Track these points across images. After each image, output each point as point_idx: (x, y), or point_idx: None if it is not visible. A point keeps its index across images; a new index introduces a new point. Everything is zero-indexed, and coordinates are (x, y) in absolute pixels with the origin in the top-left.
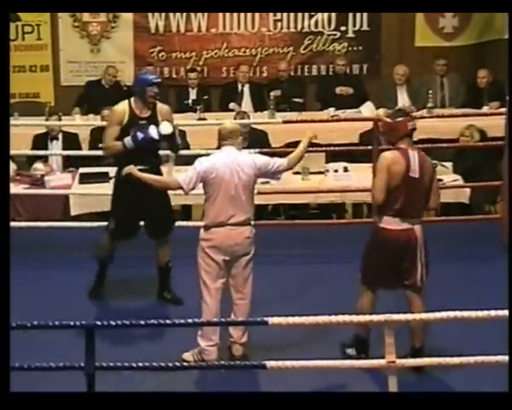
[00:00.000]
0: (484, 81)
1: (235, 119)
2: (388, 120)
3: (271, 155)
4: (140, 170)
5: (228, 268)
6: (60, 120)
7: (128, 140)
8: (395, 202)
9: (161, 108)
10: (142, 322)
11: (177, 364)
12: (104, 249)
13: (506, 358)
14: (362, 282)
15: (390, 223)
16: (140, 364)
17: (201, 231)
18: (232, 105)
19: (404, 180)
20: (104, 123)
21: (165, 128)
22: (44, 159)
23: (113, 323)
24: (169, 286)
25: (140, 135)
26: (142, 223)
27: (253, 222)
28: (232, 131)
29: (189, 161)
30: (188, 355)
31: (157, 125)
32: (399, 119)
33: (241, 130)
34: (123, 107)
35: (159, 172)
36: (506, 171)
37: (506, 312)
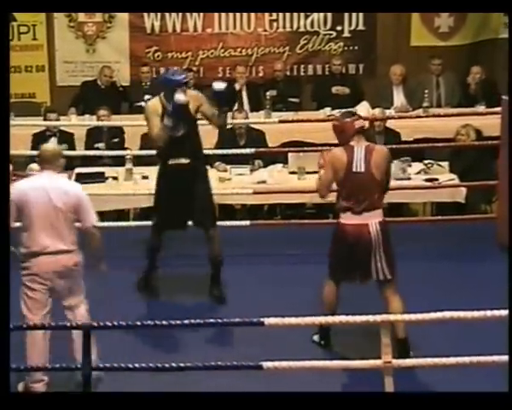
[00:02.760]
0: (477, 77)
1: (233, 117)
2: (336, 123)
3: (269, 154)
4: (182, 164)
5: (55, 296)
6: (58, 118)
7: (166, 120)
8: (343, 197)
9: (191, 96)
10: (139, 323)
11: (174, 364)
12: (152, 241)
13: (503, 358)
14: (328, 273)
15: (344, 217)
16: (136, 365)
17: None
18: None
19: (347, 175)
20: (100, 123)
21: (180, 97)
22: None
23: (109, 324)
24: (217, 283)
25: (169, 107)
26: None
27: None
28: (54, 154)
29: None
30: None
31: (189, 115)
32: (346, 120)
33: (62, 153)
34: (156, 102)
35: (201, 167)
36: (502, 170)
37: (502, 312)
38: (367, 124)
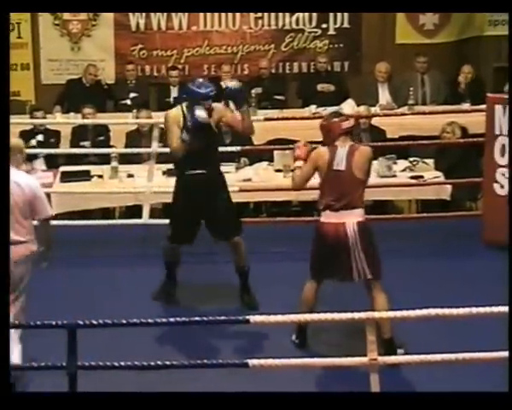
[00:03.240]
0: (469, 77)
1: None
2: (324, 123)
3: (254, 152)
4: (200, 174)
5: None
6: (45, 116)
7: (184, 134)
8: (323, 195)
9: (213, 109)
10: (124, 321)
11: (159, 363)
12: (168, 254)
13: (489, 354)
14: (310, 273)
15: (324, 216)
16: (122, 363)
17: None
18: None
19: (328, 173)
20: (85, 121)
21: (201, 115)
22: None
23: (95, 322)
24: (247, 291)
25: (189, 123)
26: (203, 225)
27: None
28: (11, 148)
29: (171, 158)
30: None
31: (210, 128)
32: (334, 120)
33: (21, 147)
34: (177, 111)
35: (218, 176)
36: (487, 167)
37: (487, 309)
38: (352, 122)
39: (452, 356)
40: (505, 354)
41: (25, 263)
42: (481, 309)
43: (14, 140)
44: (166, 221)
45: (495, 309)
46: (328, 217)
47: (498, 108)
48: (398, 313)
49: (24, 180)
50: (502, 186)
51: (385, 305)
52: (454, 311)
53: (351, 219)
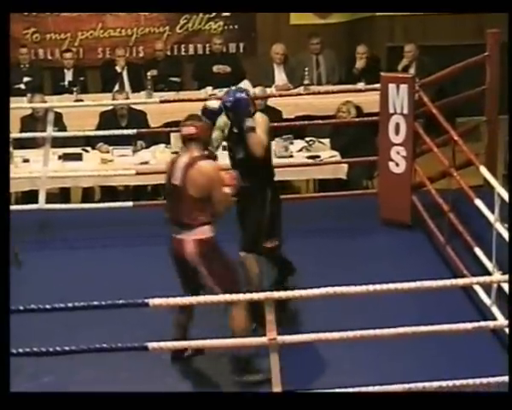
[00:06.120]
0: (364, 57)
1: (114, 98)
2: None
3: (151, 134)
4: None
5: None
6: None
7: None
8: (167, 207)
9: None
10: (22, 307)
11: (58, 348)
12: None
13: (386, 331)
14: None
15: (171, 230)
16: (21, 350)
17: None
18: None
19: (167, 185)
20: None
21: (210, 104)
22: None
23: None
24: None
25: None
26: None
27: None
28: None
29: (67, 142)
30: None
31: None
32: (184, 122)
33: None
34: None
35: (258, 193)
36: (382, 146)
37: (384, 286)
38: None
39: (350, 334)
40: (407, 329)
41: None
42: (378, 286)
43: None
44: (63, 206)
45: (392, 286)
46: (172, 231)
47: (392, 87)
48: (297, 293)
49: None
50: (397, 164)
51: (240, 325)
52: (352, 289)
53: (189, 237)
